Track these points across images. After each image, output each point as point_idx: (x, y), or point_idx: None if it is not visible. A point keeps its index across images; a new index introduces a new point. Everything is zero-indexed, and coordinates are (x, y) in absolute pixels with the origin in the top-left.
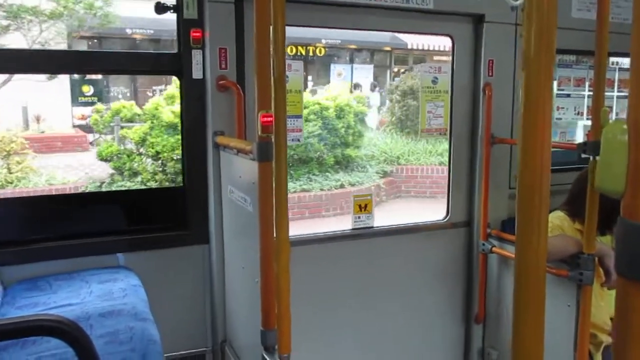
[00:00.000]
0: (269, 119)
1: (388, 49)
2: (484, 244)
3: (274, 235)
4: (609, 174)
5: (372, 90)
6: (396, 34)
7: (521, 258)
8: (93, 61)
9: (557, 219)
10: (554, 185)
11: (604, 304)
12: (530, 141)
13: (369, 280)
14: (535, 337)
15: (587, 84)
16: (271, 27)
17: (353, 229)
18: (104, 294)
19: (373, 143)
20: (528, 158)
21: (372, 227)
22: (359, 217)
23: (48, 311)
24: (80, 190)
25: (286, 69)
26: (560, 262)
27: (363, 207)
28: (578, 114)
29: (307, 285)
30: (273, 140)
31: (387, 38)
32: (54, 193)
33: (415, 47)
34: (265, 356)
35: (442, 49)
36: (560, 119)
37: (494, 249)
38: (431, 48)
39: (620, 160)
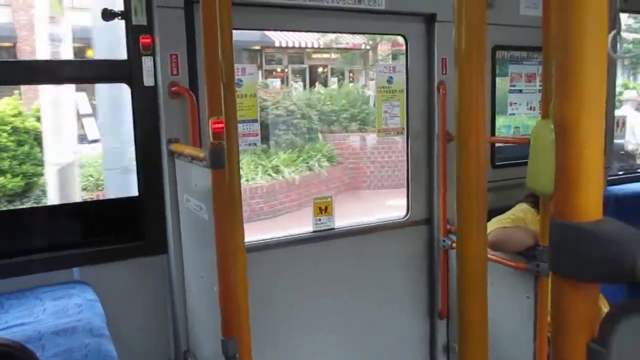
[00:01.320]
0: (220, 125)
1: (257, 47)
2: (444, 240)
3: (230, 242)
4: (538, 175)
5: None
6: (265, 32)
7: (462, 250)
8: (39, 71)
9: (521, 211)
10: (515, 179)
11: None
12: (465, 136)
13: (332, 282)
14: (480, 327)
15: (537, 79)
16: (218, 32)
17: (314, 232)
18: (58, 310)
19: None
20: (464, 153)
21: (333, 228)
22: (320, 220)
23: None
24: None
25: (240, 73)
26: (518, 254)
27: (323, 209)
28: (531, 109)
29: (269, 291)
30: (225, 146)
31: (256, 36)
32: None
33: (286, 45)
34: None
35: (316, 45)
36: (514, 114)
37: (454, 244)
38: (303, 45)
39: (548, 160)
